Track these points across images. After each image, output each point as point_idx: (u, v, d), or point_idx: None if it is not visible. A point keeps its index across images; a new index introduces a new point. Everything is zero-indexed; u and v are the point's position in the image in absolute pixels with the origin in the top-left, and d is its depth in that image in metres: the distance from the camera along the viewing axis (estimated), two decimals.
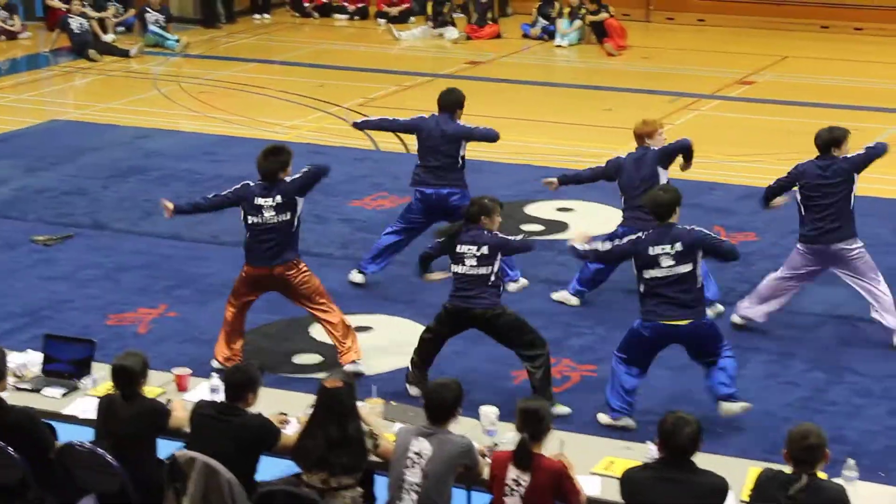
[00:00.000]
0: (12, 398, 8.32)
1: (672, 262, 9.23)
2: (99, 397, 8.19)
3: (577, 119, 18.83)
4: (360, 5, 27.06)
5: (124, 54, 23.37)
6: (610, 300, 11.94)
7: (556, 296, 12.07)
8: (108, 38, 24.29)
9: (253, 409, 7.79)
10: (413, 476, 7.39)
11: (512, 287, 11.81)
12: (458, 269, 9.75)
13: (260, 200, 10.18)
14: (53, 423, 8.30)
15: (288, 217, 10.19)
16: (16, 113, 19.47)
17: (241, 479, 7.50)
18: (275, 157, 10.26)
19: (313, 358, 10.92)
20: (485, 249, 9.68)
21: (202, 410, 7.84)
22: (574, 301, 11.96)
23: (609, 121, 18.51)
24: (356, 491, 7.58)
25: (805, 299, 11.64)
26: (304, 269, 10.33)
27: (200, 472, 7.47)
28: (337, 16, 27.10)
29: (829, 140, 10.79)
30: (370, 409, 8.20)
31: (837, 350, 11.10)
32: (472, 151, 12.14)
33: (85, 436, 8.05)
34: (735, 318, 11.32)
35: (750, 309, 11.30)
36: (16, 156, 16.96)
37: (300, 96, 20.18)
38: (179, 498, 7.60)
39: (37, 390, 8.68)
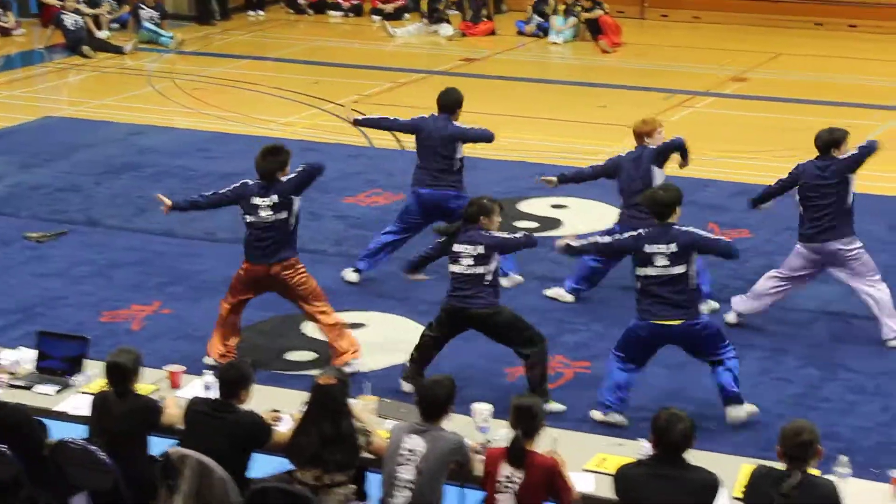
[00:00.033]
0: (5, 395, 8.32)
1: (667, 263, 9.24)
2: (92, 394, 8.19)
3: (572, 116, 18.83)
4: (354, 2, 27.05)
5: (118, 51, 23.36)
6: (604, 297, 11.94)
7: (549, 292, 12.08)
8: (103, 34, 24.25)
9: (246, 406, 7.79)
10: (406, 473, 7.39)
11: (505, 283, 11.80)
12: (455, 268, 9.76)
13: (257, 200, 10.18)
14: (46, 421, 8.28)
15: (284, 216, 10.19)
16: (10, 109, 19.46)
17: (234, 476, 7.50)
18: (273, 156, 10.26)
19: (306, 355, 10.92)
20: (481, 249, 9.68)
21: (196, 407, 7.83)
22: (568, 298, 11.97)
23: (603, 118, 18.51)
24: (349, 488, 7.59)
25: (798, 296, 11.64)
26: (302, 269, 10.34)
27: (193, 469, 7.47)
28: (331, 12, 27.08)
29: (830, 141, 10.83)
30: (363, 406, 8.20)
31: (831, 347, 11.11)
32: (467, 149, 12.12)
33: (78, 433, 8.03)
34: (729, 318, 11.32)
35: (744, 303, 11.33)
36: (10, 152, 16.95)
37: (294, 93, 20.17)
38: (172, 495, 7.60)
39: (30, 387, 8.68)
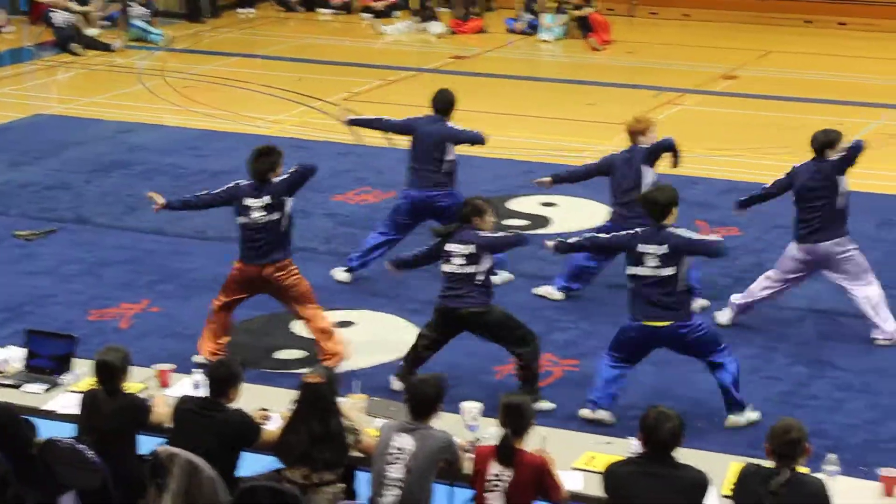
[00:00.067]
0: None
1: (657, 264, 9.26)
2: (81, 393, 8.18)
3: (561, 114, 18.83)
4: (344, 0, 27.02)
5: (108, 48, 23.30)
6: (593, 295, 11.95)
7: (538, 290, 12.08)
8: (92, 32, 24.19)
9: (235, 405, 7.79)
10: (395, 472, 7.39)
11: (496, 280, 11.78)
12: (447, 267, 9.80)
13: (249, 201, 10.18)
14: (34, 419, 8.27)
15: (277, 217, 10.19)
16: None
17: (222, 474, 7.50)
18: (265, 157, 10.26)
19: (295, 353, 10.91)
20: (472, 248, 9.72)
21: (184, 406, 7.83)
22: (558, 295, 11.97)
23: (592, 115, 18.52)
24: (338, 486, 7.59)
25: (787, 294, 11.64)
26: (294, 271, 10.33)
27: (182, 467, 7.47)
28: (321, 10, 27.05)
29: (825, 142, 10.86)
30: (352, 405, 8.19)
31: (818, 345, 11.13)
32: (458, 148, 12.12)
33: (66, 432, 8.03)
34: (721, 319, 11.32)
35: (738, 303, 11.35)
36: None
37: (284, 91, 20.15)
38: (161, 494, 7.60)
39: (18, 386, 8.67)
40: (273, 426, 7.90)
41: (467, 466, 7.51)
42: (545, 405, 9.69)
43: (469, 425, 8.05)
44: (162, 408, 8.10)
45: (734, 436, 9.35)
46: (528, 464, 7.25)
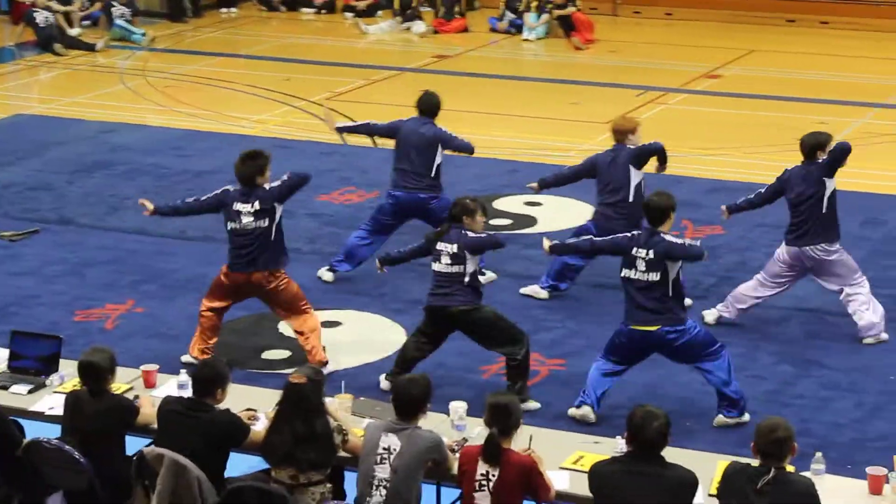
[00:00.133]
0: None
1: (644, 268, 9.28)
2: (66, 394, 8.15)
3: (544, 113, 18.83)
4: None
5: (90, 48, 23.24)
6: (579, 294, 11.96)
7: (524, 290, 12.07)
8: (74, 31, 24.13)
9: (221, 405, 7.77)
10: (382, 472, 7.39)
11: (481, 279, 11.78)
12: (436, 266, 9.84)
13: (239, 206, 10.14)
14: (20, 420, 8.25)
15: (266, 224, 10.14)
16: None
17: (209, 475, 7.48)
18: (252, 161, 10.22)
19: (282, 353, 10.89)
20: (455, 248, 9.74)
21: (169, 406, 7.80)
22: (543, 294, 11.97)
23: (576, 115, 18.52)
24: (325, 486, 7.58)
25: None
26: (284, 278, 10.29)
27: (169, 468, 7.45)
28: (304, 10, 27.02)
29: (815, 144, 10.86)
30: (339, 405, 8.18)
31: (805, 343, 11.14)
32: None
33: (52, 433, 8.00)
34: (708, 318, 11.31)
35: (728, 310, 11.32)
36: None
37: (267, 90, 20.11)
38: (148, 495, 7.57)
39: (3, 387, 8.63)
40: (260, 426, 7.88)
41: (455, 466, 7.50)
42: (532, 405, 9.68)
43: (456, 425, 8.05)
44: (148, 408, 8.08)
45: (723, 435, 9.36)
46: (515, 463, 7.25)
